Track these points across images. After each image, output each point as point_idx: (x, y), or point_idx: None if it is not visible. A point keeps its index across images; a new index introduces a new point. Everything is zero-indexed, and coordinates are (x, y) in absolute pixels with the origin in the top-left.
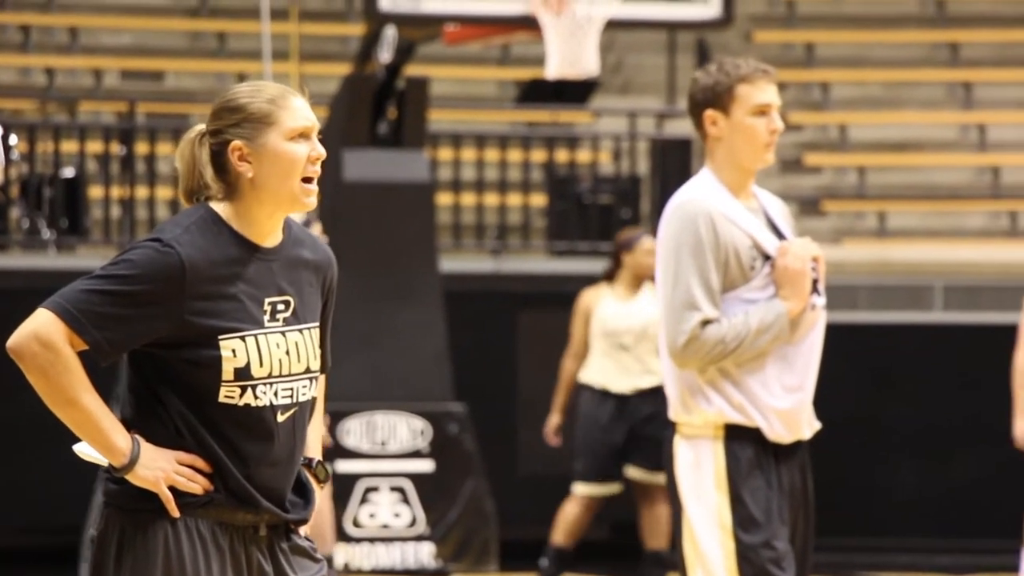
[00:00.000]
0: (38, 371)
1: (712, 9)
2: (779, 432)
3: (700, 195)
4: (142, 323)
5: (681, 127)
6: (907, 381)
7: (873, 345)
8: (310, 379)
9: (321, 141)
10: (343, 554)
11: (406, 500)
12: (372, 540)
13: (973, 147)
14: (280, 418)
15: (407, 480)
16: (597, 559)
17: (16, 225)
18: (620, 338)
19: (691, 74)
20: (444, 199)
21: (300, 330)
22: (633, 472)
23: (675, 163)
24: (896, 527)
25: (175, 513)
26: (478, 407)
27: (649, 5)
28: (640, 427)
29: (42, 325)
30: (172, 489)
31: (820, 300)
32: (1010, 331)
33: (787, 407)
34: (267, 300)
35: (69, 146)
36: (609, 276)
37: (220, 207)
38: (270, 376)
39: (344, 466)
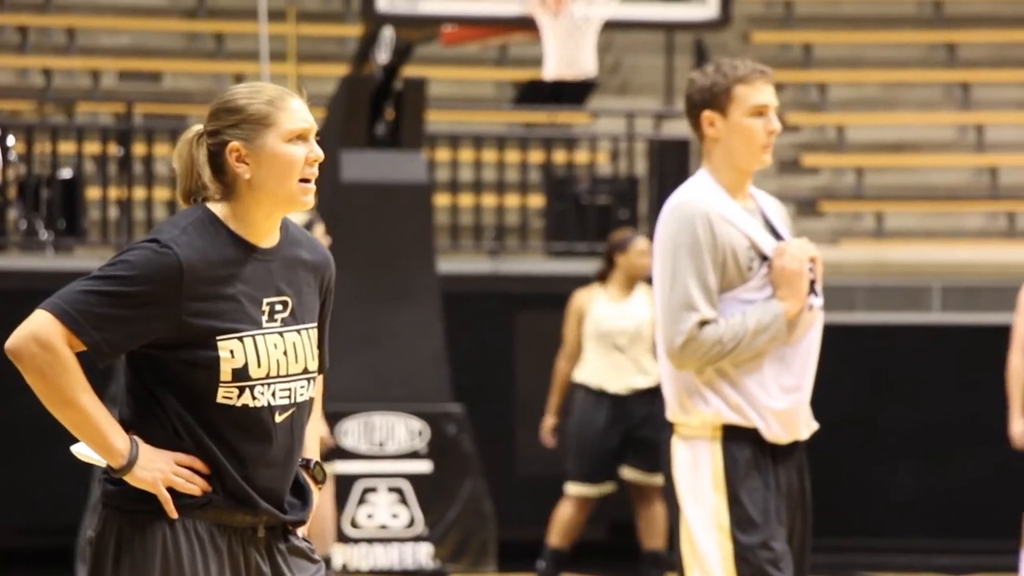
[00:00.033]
0: (36, 372)
1: (710, 10)
2: (777, 433)
3: (697, 196)
4: (140, 324)
5: (679, 128)
6: (905, 382)
7: (871, 346)
8: (308, 379)
9: (319, 142)
10: (341, 555)
11: (404, 501)
12: (370, 541)
13: (971, 148)
14: (278, 419)
15: (405, 481)
16: (595, 559)
17: (14, 226)
18: (615, 339)
19: (689, 75)
20: (442, 200)
21: (298, 330)
22: (629, 473)
23: (673, 164)
24: (894, 527)
25: (173, 514)
26: (476, 408)
27: (647, 6)
28: (635, 429)
29: (40, 326)
30: (170, 490)
31: (817, 301)
32: (1008, 332)
33: (785, 408)
34: (265, 300)
35: (67, 147)
36: (602, 277)
37: (217, 208)
38: (268, 377)
39: (342, 467)
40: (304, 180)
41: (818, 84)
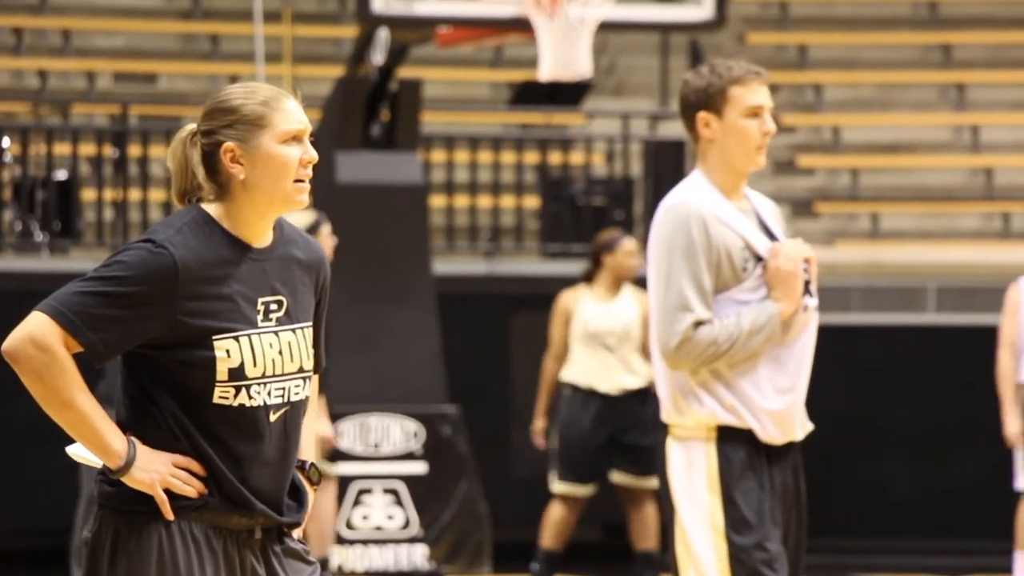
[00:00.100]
0: (33, 374)
1: (705, 11)
2: (771, 433)
3: (692, 197)
4: (136, 324)
5: (674, 129)
6: (900, 382)
7: (866, 347)
8: (303, 379)
9: (313, 143)
10: (336, 556)
11: (399, 502)
12: (365, 542)
13: (966, 149)
14: (272, 417)
15: (400, 482)
16: (589, 561)
17: (9, 228)
18: (604, 339)
19: (684, 76)
20: (437, 201)
21: (293, 330)
22: (619, 477)
23: (668, 165)
24: (889, 528)
25: (170, 516)
26: (471, 409)
27: (642, 7)
28: (623, 431)
29: (37, 328)
30: (167, 492)
31: (812, 301)
32: None
33: (779, 408)
34: (260, 300)
35: (62, 149)
36: (588, 277)
37: (212, 208)
38: (264, 376)
39: (337, 468)
40: (298, 180)
41: (813, 85)
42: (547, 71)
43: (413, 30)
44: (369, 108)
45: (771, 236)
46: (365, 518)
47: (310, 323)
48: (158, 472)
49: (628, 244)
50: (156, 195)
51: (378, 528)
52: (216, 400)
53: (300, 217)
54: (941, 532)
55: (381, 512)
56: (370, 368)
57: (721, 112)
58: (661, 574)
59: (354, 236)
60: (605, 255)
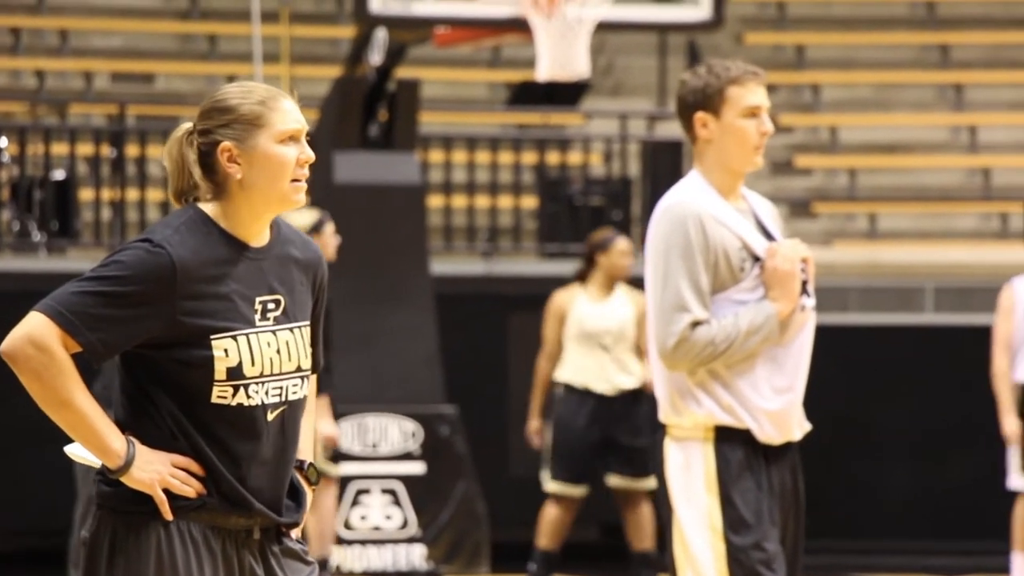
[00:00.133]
0: (32, 374)
1: (703, 11)
2: (769, 433)
3: (689, 197)
4: (135, 324)
5: (672, 129)
6: (898, 383)
7: (864, 347)
8: (301, 378)
9: (310, 143)
10: (335, 556)
11: (397, 502)
12: (363, 542)
13: (964, 149)
14: (269, 417)
15: (398, 482)
16: (587, 561)
17: (6, 228)
18: (600, 339)
19: (681, 76)
20: (435, 201)
21: (290, 329)
22: (614, 480)
23: (666, 165)
24: (887, 529)
25: (169, 516)
26: (469, 409)
27: (640, 7)
28: (617, 434)
29: (35, 328)
30: (165, 492)
31: (809, 301)
32: None
33: (777, 408)
34: (258, 299)
35: (59, 148)
36: (581, 277)
37: (209, 207)
38: (262, 375)
39: (340, 469)
40: (295, 180)
41: (811, 85)
42: (545, 71)
43: (411, 30)
44: (367, 108)
45: (768, 236)
46: (363, 518)
47: (308, 322)
48: (157, 472)
49: (621, 244)
50: (154, 195)
51: (376, 528)
52: (214, 399)
53: (304, 216)
54: (939, 532)
55: (379, 512)
56: (368, 368)
57: (719, 112)
58: (659, 574)
59: (352, 236)
60: (599, 255)
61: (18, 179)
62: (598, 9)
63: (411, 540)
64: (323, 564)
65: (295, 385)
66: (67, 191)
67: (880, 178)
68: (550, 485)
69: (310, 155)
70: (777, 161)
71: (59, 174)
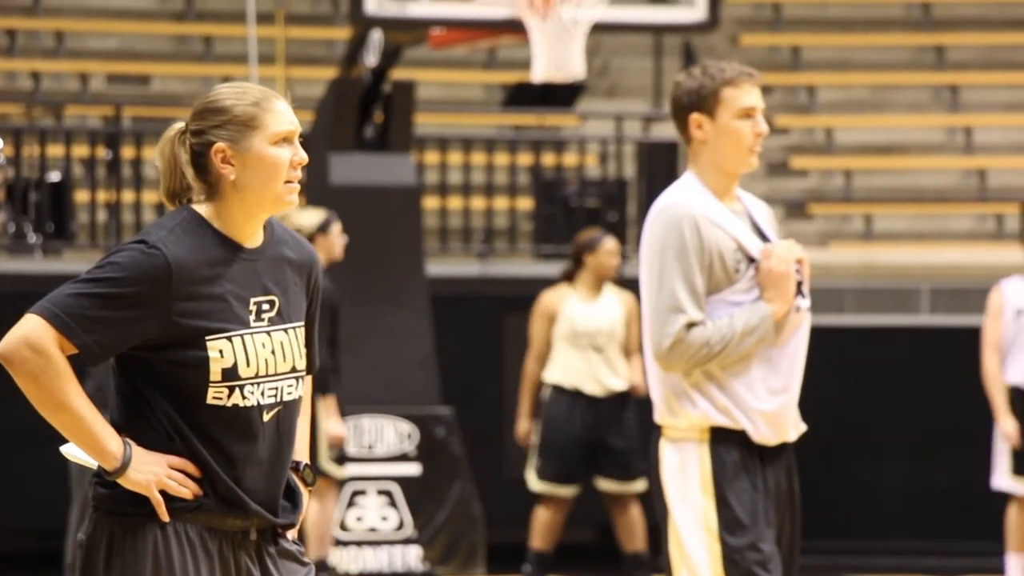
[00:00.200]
0: (29, 377)
1: (698, 12)
2: (764, 434)
3: (684, 198)
4: (131, 325)
5: (667, 130)
6: (894, 384)
7: (859, 348)
8: (296, 379)
9: (304, 145)
10: (331, 557)
11: (393, 503)
12: (359, 543)
13: (959, 150)
14: (265, 418)
15: (394, 483)
16: (582, 562)
17: (2, 229)
18: (594, 339)
19: (676, 77)
20: (431, 203)
21: (285, 329)
22: (604, 484)
23: (662, 166)
24: (883, 529)
25: (165, 517)
26: (465, 410)
27: (635, 8)
28: (606, 436)
29: (32, 330)
30: (162, 493)
31: (804, 302)
32: None
33: (772, 409)
34: (252, 300)
35: (55, 150)
36: (569, 277)
37: (202, 208)
38: (257, 376)
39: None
40: (288, 182)
41: (806, 86)
42: (540, 73)
43: (406, 32)
44: (362, 110)
45: (763, 237)
46: (359, 519)
47: (302, 323)
48: (154, 473)
49: (609, 243)
50: (149, 197)
51: (372, 529)
52: (210, 400)
53: (310, 216)
54: (934, 533)
55: (375, 513)
56: (364, 370)
57: (714, 114)
58: (653, 575)
59: (347, 238)
60: (587, 255)
61: (14, 181)
62: (593, 10)
63: (407, 541)
64: (322, 566)
65: (290, 386)
66: (63, 193)
67: (876, 179)
68: (541, 486)
69: (303, 157)
70: (773, 162)
71: (55, 176)
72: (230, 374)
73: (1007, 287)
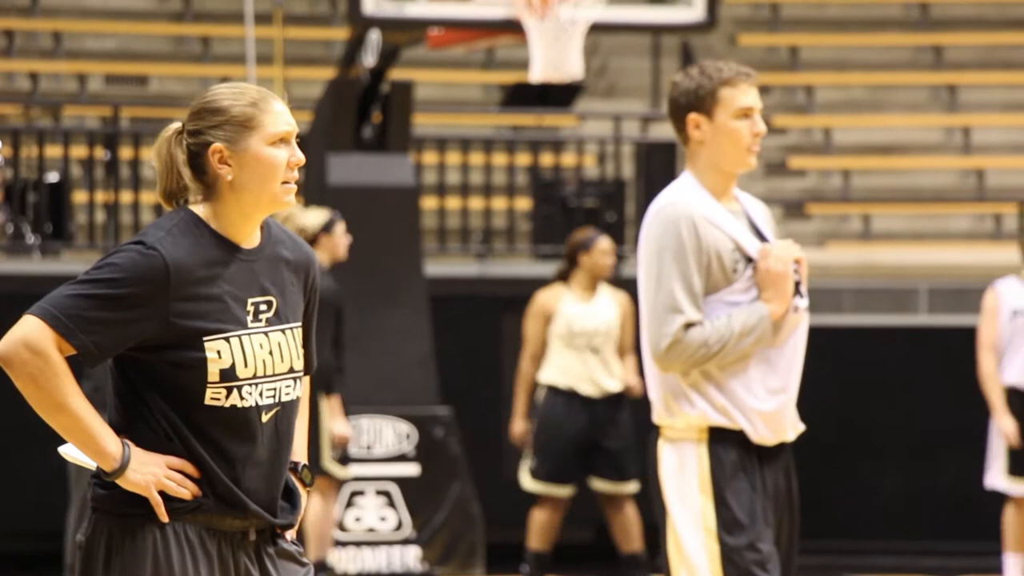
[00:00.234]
0: (27, 378)
1: (696, 12)
2: (763, 434)
3: (682, 199)
4: (129, 326)
5: (666, 130)
6: (891, 384)
7: (858, 348)
8: (294, 379)
9: (302, 145)
10: (329, 557)
11: (392, 504)
12: (358, 544)
13: (957, 150)
14: (264, 418)
15: (393, 484)
16: (581, 562)
17: (0, 230)
18: (591, 340)
19: (673, 77)
20: (429, 203)
21: (283, 330)
22: (599, 484)
23: (660, 166)
24: (881, 529)
25: (165, 518)
26: (464, 410)
27: (633, 8)
28: (602, 437)
29: (30, 332)
30: (161, 494)
31: (802, 302)
32: None
33: (770, 409)
34: (250, 300)
35: (53, 151)
36: (563, 276)
37: (199, 209)
38: (255, 377)
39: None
40: (285, 182)
41: (805, 86)
42: (538, 73)
43: (404, 32)
44: (360, 110)
45: (761, 237)
46: (358, 520)
47: (300, 323)
48: (152, 474)
49: (603, 243)
50: (147, 197)
51: (371, 530)
52: (208, 401)
53: (315, 216)
54: (932, 533)
55: (374, 514)
56: (362, 370)
57: (711, 114)
58: (650, 575)
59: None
60: (581, 254)
61: (12, 181)
62: (591, 10)
63: (406, 542)
64: (322, 566)
65: (288, 386)
66: (61, 193)
67: (874, 179)
68: (536, 486)
69: (301, 158)
70: (771, 162)
71: (53, 176)
72: (228, 375)
73: (1002, 288)
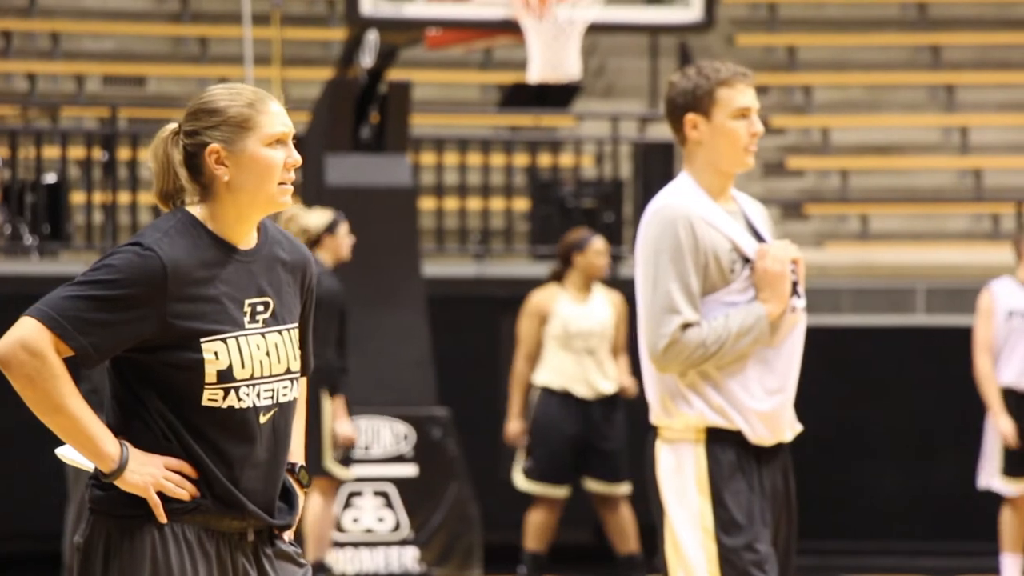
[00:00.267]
0: (25, 379)
1: (694, 13)
2: (761, 435)
3: (679, 199)
4: (126, 327)
5: (664, 131)
6: (889, 384)
7: (856, 348)
8: (291, 380)
9: (299, 146)
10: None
11: (390, 504)
12: (356, 545)
13: (955, 150)
14: (262, 419)
15: (391, 484)
16: (579, 562)
17: None
18: (587, 341)
19: (671, 78)
20: (427, 203)
21: (279, 331)
22: (593, 485)
23: (658, 167)
24: (879, 529)
25: (163, 519)
26: (461, 411)
27: (631, 9)
28: (596, 438)
29: (28, 333)
30: (159, 495)
31: (800, 302)
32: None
33: (768, 409)
34: (247, 301)
35: (51, 152)
36: (557, 277)
37: (196, 210)
38: (252, 378)
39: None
40: (282, 183)
41: (802, 87)
42: (536, 73)
43: (402, 32)
44: (358, 111)
45: (759, 238)
46: (355, 520)
47: (296, 324)
48: (151, 475)
49: (598, 243)
50: (145, 198)
51: (368, 531)
52: (205, 402)
53: (318, 216)
54: (930, 533)
55: (371, 514)
56: (360, 370)
57: (709, 114)
58: None
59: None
60: (575, 255)
61: (9, 182)
62: (589, 11)
63: (403, 542)
64: (320, 566)
65: (286, 387)
66: (59, 194)
67: (872, 179)
68: (530, 486)
69: (297, 159)
70: (769, 162)
71: (51, 177)
72: (225, 376)
73: (997, 288)
